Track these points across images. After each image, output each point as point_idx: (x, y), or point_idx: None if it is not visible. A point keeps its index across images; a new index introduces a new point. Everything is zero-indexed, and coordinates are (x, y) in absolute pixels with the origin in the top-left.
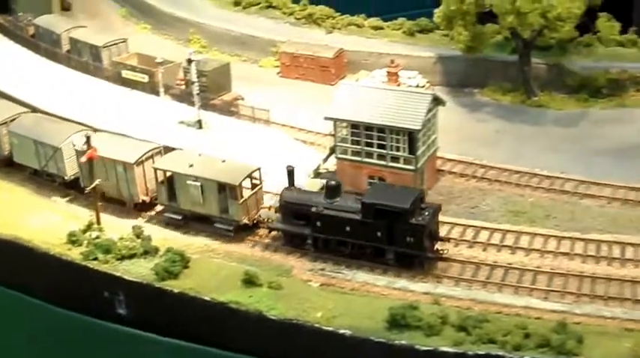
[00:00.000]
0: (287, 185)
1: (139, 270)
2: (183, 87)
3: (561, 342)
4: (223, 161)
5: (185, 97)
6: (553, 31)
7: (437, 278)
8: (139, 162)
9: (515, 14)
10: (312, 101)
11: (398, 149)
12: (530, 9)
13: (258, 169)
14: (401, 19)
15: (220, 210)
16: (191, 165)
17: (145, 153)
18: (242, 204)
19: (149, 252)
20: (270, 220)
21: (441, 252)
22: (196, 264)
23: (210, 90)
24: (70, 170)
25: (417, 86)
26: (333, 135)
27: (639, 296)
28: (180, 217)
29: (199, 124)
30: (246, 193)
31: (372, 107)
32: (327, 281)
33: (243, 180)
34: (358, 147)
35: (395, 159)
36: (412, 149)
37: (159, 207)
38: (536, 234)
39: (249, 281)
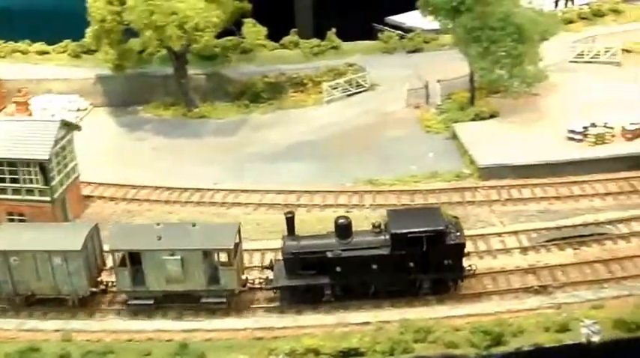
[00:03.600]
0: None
1: None
2: None
3: None
4: (194, 225)
5: None
6: (194, 42)
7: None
8: (84, 248)
9: (153, 28)
10: None
11: (32, 181)
12: (167, 22)
13: (239, 225)
14: (66, 41)
15: (208, 282)
16: (159, 238)
17: (87, 236)
18: (236, 269)
19: None
20: (264, 280)
21: (470, 268)
22: None
23: None
24: None
25: (78, 110)
26: None
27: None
28: (151, 301)
29: None
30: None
31: None
32: None
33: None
34: None
35: (30, 191)
36: (46, 179)
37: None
38: None
39: None
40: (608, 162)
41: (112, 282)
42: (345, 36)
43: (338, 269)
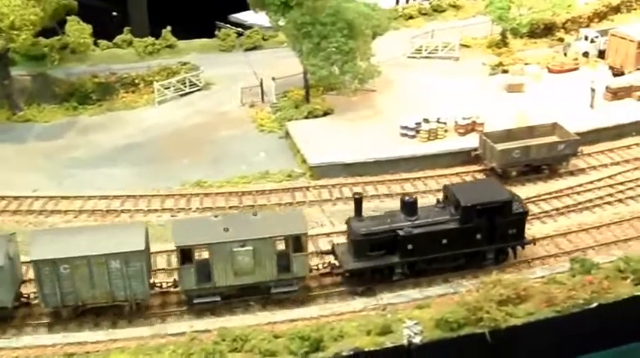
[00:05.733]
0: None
1: None
2: None
3: None
4: (255, 214)
5: None
6: (10, 41)
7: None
8: (146, 247)
9: None
10: None
11: None
12: None
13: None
14: None
15: (279, 271)
16: (226, 230)
17: (145, 234)
18: (307, 255)
19: None
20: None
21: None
22: None
23: None
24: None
25: None
26: None
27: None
28: (218, 298)
29: None
30: None
31: None
32: None
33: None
34: None
35: None
36: None
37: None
38: None
39: None
40: (441, 157)
41: (168, 283)
42: (187, 34)
43: (409, 247)
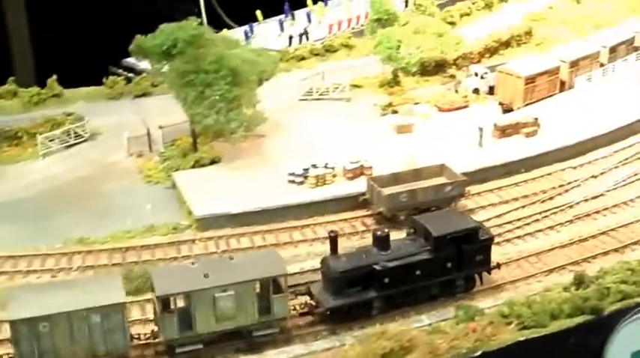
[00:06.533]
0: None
1: None
2: None
3: None
4: (231, 258)
5: None
6: None
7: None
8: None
9: None
10: None
11: None
12: None
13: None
14: None
15: (260, 314)
16: (206, 275)
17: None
18: (287, 295)
19: None
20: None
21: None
22: None
23: None
24: None
25: None
26: None
27: None
28: (201, 346)
29: None
30: None
31: None
32: None
33: None
34: None
35: None
36: None
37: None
38: None
39: None
40: (329, 203)
41: (145, 334)
42: (79, 81)
43: (386, 280)
